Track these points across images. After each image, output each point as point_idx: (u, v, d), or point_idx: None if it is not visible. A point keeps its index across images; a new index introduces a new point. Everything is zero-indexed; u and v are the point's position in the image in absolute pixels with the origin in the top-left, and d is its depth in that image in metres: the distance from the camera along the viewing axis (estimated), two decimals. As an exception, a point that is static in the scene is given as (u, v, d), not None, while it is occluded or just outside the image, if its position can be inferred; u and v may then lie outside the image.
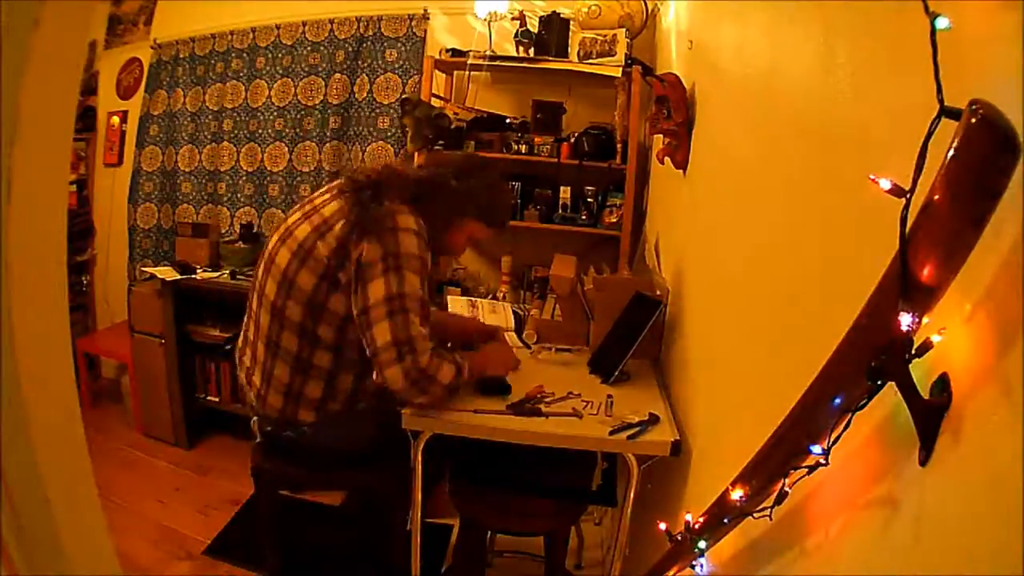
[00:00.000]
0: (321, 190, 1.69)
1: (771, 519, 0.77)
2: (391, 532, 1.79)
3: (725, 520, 0.85)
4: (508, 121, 2.99)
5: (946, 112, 0.47)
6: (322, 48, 3.31)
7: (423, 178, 1.66)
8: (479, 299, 2.46)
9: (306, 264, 1.53)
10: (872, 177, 0.53)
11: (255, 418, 1.72)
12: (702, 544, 0.93)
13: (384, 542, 1.82)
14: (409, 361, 1.44)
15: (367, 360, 1.51)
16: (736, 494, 0.81)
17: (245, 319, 1.73)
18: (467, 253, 3.37)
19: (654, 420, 1.51)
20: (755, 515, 0.79)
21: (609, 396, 1.63)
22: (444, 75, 3.14)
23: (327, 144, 3.33)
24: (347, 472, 1.75)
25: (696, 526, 0.94)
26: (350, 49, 3.27)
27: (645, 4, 2.76)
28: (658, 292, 1.89)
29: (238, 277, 3.05)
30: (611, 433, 1.46)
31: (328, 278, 1.51)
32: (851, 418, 0.59)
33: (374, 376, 1.48)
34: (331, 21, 3.29)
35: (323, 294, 1.52)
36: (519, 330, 2.21)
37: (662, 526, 1.05)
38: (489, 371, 1.68)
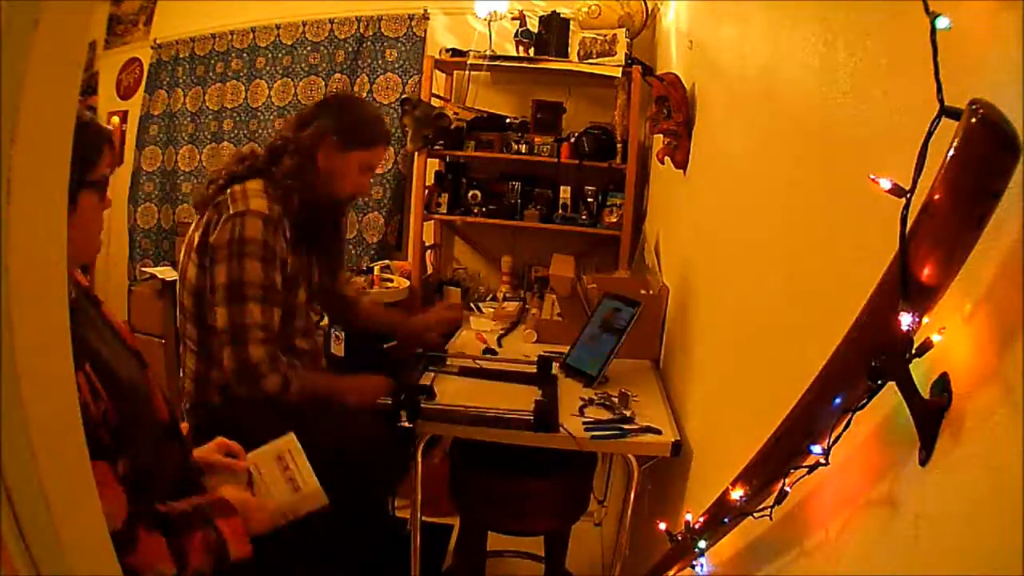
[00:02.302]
0: None
1: (771, 519, 0.77)
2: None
3: (725, 520, 0.85)
4: (508, 121, 2.99)
5: (946, 112, 0.47)
6: (322, 48, 3.32)
7: (269, 145, 1.63)
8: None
9: (189, 256, 1.55)
10: (872, 177, 0.53)
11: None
12: (702, 544, 0.93)
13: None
14: (238, 350, 1.45)
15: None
16: (736, 494, 0.81)
17: None
18: (467, 253, 3.38)
19: (643, 429, 1.50)
20: (755, 515, 0.79)
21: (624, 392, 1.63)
22: (444, 75, 3.14)
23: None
24: None
25: (696, 526, 0.94)
26: (350, 49, 3.27)
27: (645, 4, 2.76)
28: (644, 291, 1.89)
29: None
30: (587, 429, 1.46)
31: (199, 263, 1.53)
32: (851, 418, 0.59)
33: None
34: (331, 21, 3.29)
35: (199, 279, 1.53)
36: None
37: (662, 526, 1.05)
38: (344, 398, 1.59)
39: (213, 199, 1.54)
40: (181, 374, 1.66)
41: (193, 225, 1.59)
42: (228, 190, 1.53)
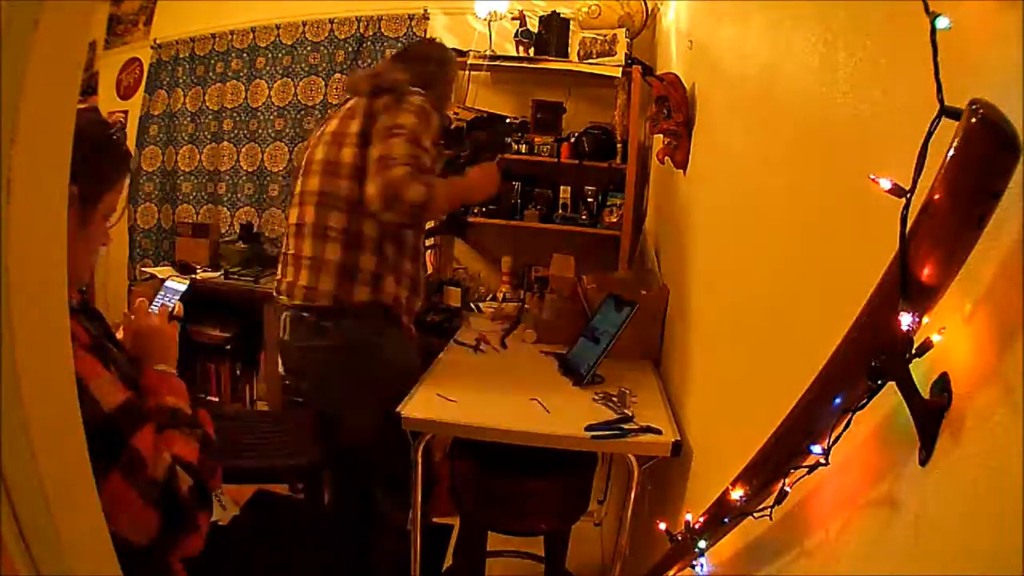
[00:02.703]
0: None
1: (771, 519, 0.77)
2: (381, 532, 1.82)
3: (725, 520, 0.85)
4: (508, 121, 2.99)
5: (946, 112, 0.47)
6: (322, 48, 3.32)
7: (414, 74, 1.80)
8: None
9: (344, 143, 1.68)
10: (872, 177, 0.53)
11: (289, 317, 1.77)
12: (702, 544, 0.93)
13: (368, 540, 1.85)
14: (384, 175, 1.55)
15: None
16: (736, 494, 0.81)
17: (284, 243, 1.82)
18: (467, 253, 3.38)
19: (643, 429, 1.50)
20: (755, 515, 0.79)
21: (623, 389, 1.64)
22: (444, 75, 3.14)
23: (327, 144, 3.33)
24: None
25: (696, 526, 0.94)
26: (350, 49, 3.27)
27: (645, 4, 2.76)
28: (644, 291, 1.89)
29: (239, 277, 3.05)
30: (587, 428, 1.46)
31: (362, 144, 1.64)
32: (851, 418, 0.59)
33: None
34: (331, 21, 3.29)
35: (361, 156, 1.64)
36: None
37: (662, 526, 1.05)
38: (477, 193, 1.92)
39: (374, 92, 1.70)
40: (308, 277, 1.70)
41: (342, 114, 1.75)
42: (400, 95, 1.68)
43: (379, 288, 1.67)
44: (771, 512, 0.76)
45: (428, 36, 3.17)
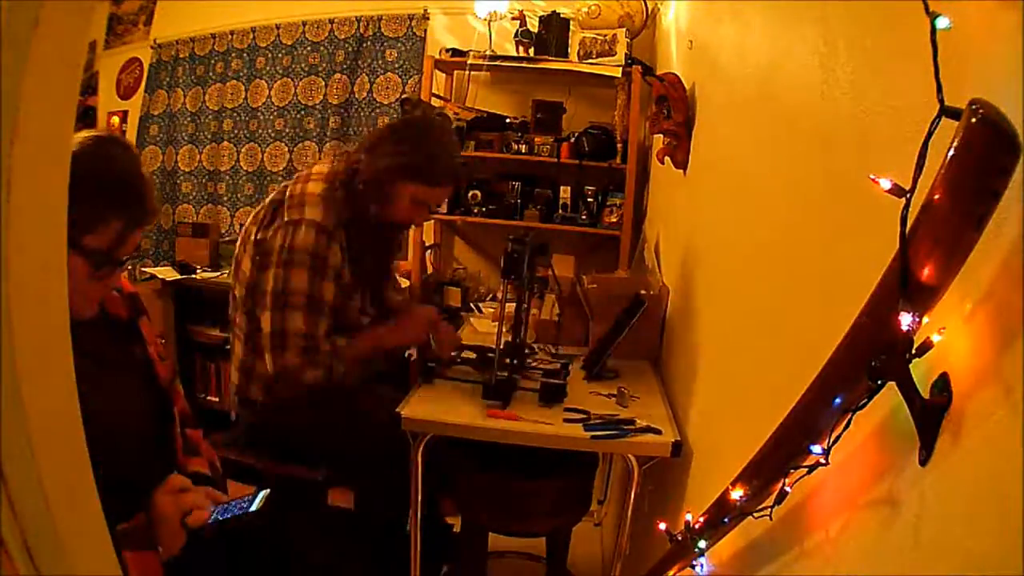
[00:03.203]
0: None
1: (771, 519, 0.77)
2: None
3: (725, 520, 0.85)
4: (508, 121, 2.99)
5: (946, 112, 0.47)
6: (322, 48, 3.32)
7: (343, 164, 1.65)
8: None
9: (246, 248, 1.63)
10: (872, 177, 0.53)
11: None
12: (702, 544, 0.93)
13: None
14: (277, 355, 1.53)
15: None
16: (736, 494, 0.81)
17: None
18: (467, 253, 3.38)
19: (643, 429, 1.50)
20: (755, 515, 0.79)
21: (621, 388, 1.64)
22: (444, 75, 3.14)
23: (327, 144, 3.33)
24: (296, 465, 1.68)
25: (696, 526, 0.94)
26: (350, 49, 3.27)
27: (645, 4, 2.76)
28: (643, 291, 1.89)
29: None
30: (586, 428, 1.46)
31: (254, 257, 1.59)
32: (851, 418, 0.59)
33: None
34: (331, 21, 3.29)
35: (252, 274, 1.60)
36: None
37: (662, 526, 1.05)
38: (385, 344, 1.72)
39: (276, 195, 1.62)
40: (232, 362, 1.74)
41: (252, 215, 1.66)
42: (288, 190, 1.58)
43: (270, 391, 1.61)
44: (771, 512, 0.76)
45: (425, 38, 3.17)
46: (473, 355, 1.77)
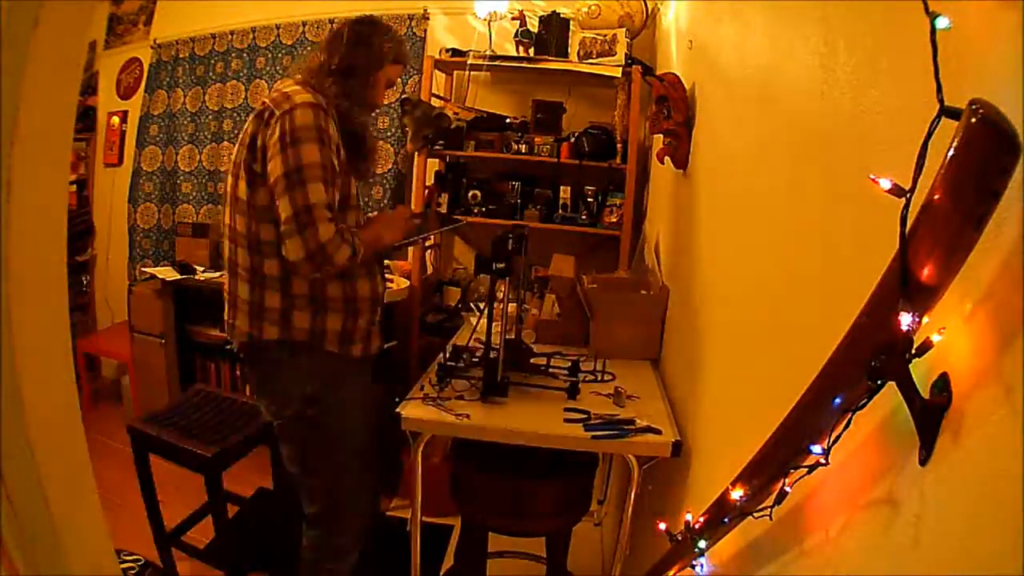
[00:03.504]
0: None
1: (771, 519, 0.77)
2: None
3: (725, 520, 0.85)
4: (508, 121, 2.99)
5: (946, 112, 0.47)
6: (322, 48, 3.31)
7: (310, 68, 1.66)
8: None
9: (238, 175, 1.55)
10: (872, 177, 0.53)
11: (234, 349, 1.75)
12: (702, 544, 0.93)
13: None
14: (309, 233, 1.45)
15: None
16: (736, 494, 0.81)
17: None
18: (467, 253, 3.38)
19: (643, 428, 1.50)
20: (755, 515, 0.79)
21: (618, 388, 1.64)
22: (444, 75, 3.14)
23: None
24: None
25: (696, 526, 0.94)
26: (350, 49, 3.27)
27: (645, 4, 2.76)
28: (644, 291, 1.89)
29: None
30: (586, 428, 1.46)
31: (250, 178, 1.52)
32: (851, 418, 0.59)
33: (282, 251, 1.49)
34: (331, 21, 3.29)
35: (253, 195, 1.53)
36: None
37: (662, 526, 1.05)
38: (384, 240, 1.68)
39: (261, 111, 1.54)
40: (232, 311, 1.68)
41: (236, 147, 1.59)
42: (266, 103, 1.53)
43: (287, 325, 1.58)
44: (771, 512, 0.76)
45: (425, 38, 3.17)
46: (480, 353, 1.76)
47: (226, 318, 1.72)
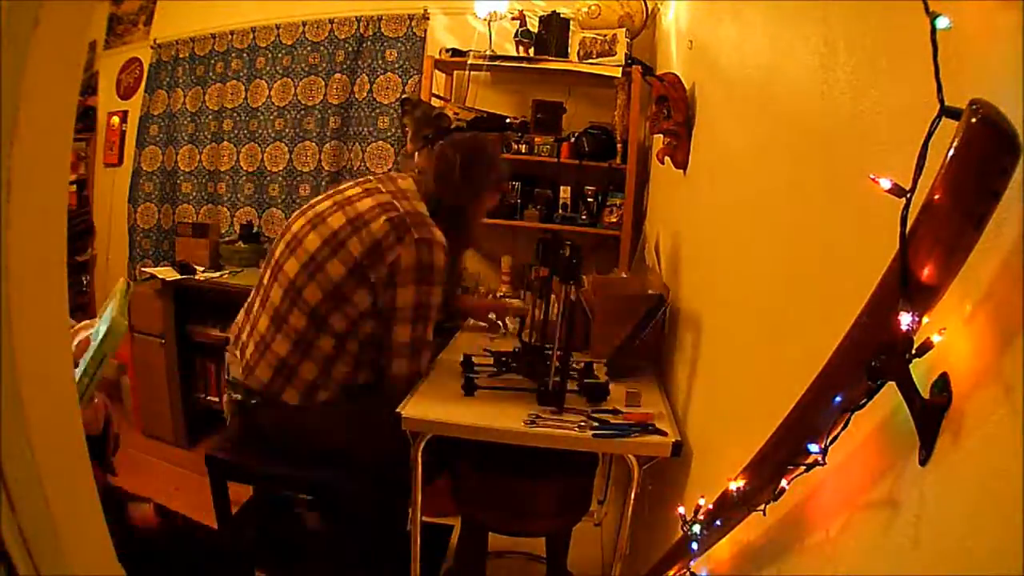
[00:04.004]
0: (349, 183, 1.80)
1: (764, 514, 0.77)
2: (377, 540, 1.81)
3: (725, 519, 0.86)
4: (508, 121, 2.99)
5: (946, 112, 0.47)
6: (322, 48, 3.32)
7: (440, 198, 1.74)
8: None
9: (338, 255, 1.60)
10: (872, 177, 0.53)
11: (229, 395, 1.79)
12: (696, 528, 0.93)
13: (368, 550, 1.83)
14: (416, 360, 1.66)
15: (364, 357, 1.67)
16: (736, 493, 0.81)
17: (252, 293, 1.81)
18: (467, 253, 3.38)
19: (644, 428, 1.50)
20: (751, 510, 0.79)
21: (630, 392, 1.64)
22: (444, 75, 3.14)
23: (327, 144, 3.33)
24: (318, 468, 1.69)
25: (696, 525, 0.94)
26: (350, 49, 3.27)
27: (645, 4, 2.76)
28: (649, 291, 1.89)
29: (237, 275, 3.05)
30: (594, 434, 1.46)
31: (357, 273, 1.59)
32: (850, 417, 0.59)
33: (384, 364, 1.65)
34: (331, 21, 3.29)
35: (350, 287, 1.60)
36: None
37: (681, 510, 1.05)
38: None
39: (388, 214, 1.62)
40: (252, 352, 1.69)
41: (339, 217, 1.64)
42: (399, 206, 1.63)
43: (310, 396, 1.66)
44: (765, 509, 0.76)
45: (425, 38, 3.17)
46: (513, 362, 1.79)
47: (239, 355, 1.73)
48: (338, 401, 1.69)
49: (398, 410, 1.51)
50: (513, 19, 2.90)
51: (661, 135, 1.94)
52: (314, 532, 1.86)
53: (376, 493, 1.74)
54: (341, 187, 1.79)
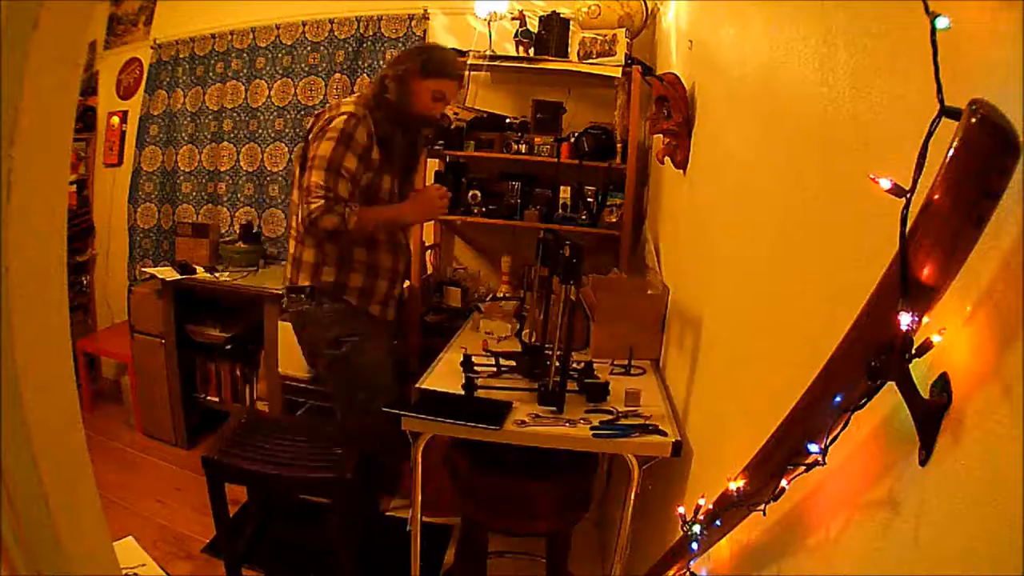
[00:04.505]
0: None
1: (764, 514, 0.77)
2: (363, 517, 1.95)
3: (725, 519, 0.86)
4: (508, 121, 2.99)
5: (946, 112, 0.47)
6: (322, 48, 3.31)
7: (371, 87, 2.07)
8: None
9: (299, 161, 1.97)
10: (872, 177, 0.53)
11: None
12: (696, 528, 0.93)
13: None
14: (304, 206, 1.84)
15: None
16: (736, 492, 0.81)
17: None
18: (466, 253, 3.38)
19: (644, 427, 1.50)
20: (751, 509, 0.79)
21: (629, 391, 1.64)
22: (444, 75, 3.13)
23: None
24: (312, 469, 1.88)
25: (696, 524, 0.94)
26: (350, 49, 3.27)
27: (645, 4, 2.76)
28: (649, 291, 1.89)
29: (239, 277, 3.05)
30: (594, 434, 1.46)
31: (301, 160, 1.95)
32: (850, 417, 0.59)
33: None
34: (331, 21, 3.29)
35: (299, 174, 1.94)
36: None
37: (681, 510, 1.05)
38: (397, 219, 2.08)
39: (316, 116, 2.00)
40: (287, 265, 2.09)
41: (298, 153, 2.02)
42: (321, 115, 1.97)
43: (317, 275, 1.98)
44: (764, 509, 0.76)
45: (425, 38, 3.17)
46: (513, 363, 1.80)
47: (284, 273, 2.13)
48: (340, 279, 1.99)
49: (397, 410, 1.51)
50: (513, 19, 2.90)
51: (661, 135, 1.94)
52: (311, 531, 1.86)
53: (363, 482, 1.89)
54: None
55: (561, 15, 2.80)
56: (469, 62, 2.83)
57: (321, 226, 1.81)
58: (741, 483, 0.80)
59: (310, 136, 1.94)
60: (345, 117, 1.88)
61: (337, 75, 3.29)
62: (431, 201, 2.12)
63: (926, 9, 0.47)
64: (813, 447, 0.63)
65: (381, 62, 3.23)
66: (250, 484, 2.04)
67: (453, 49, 2.90)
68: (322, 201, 1.80)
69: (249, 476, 1.89)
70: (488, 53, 2.82)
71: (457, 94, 2.15)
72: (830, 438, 0.61)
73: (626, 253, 2.79)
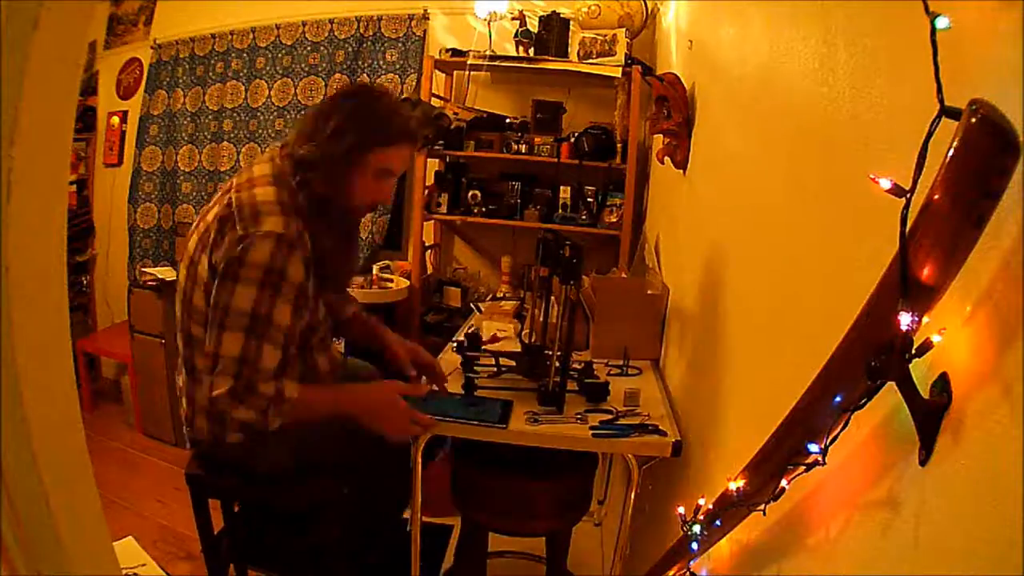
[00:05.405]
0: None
1: (764, 514, 0.77)
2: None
3: (725, 519, 0.86)
4: (508, 121, 2.99)
5: (946, 112, 0.47)
6: (322, 48, 3.32)
7: (287, 161, 1.41)
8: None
9: (193, 280, 1.38)
10: (872, 176, 0.53)
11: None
12: (696, 528, 0.93)
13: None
14: (213, 381, 1.31)
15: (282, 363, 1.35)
16: (736, 493, 0.81)
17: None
18: (467, 253, 3.38)
19: (644, 427, 1.50)
20: (751, 509, 0.79)
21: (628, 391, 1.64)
22: (444, 75, 3.14)
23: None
24: (289, 489, 1.51)
25: (696, 524, 0.94)
26: (350, 49, 3.27)
27: (645, 4, 2.76)
28: (649, 291, 1.89)
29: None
30: (594, 434, 1.46)
31: (192, 274, 1.37)
32: (850, 417, 0.59)
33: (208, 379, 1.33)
34: (331, 21, 3.29)
35: (191, 292, 1.38)
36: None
37: (680, 510, 1.05)
38: (353, 412, 1.43)
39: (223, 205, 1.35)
40: (185, 405, 1.47)
41: (194, 235, 1.41)
42: (233, 201, 1.34)
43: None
44: (765, 509, 0.76)
45: (425, 38, 3.17)
46: (513, 363, 1.74)
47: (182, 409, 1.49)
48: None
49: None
50: (513, 19, 2.90)
51: (661, 135, 1.94)
52: (301, 538, 1.82)
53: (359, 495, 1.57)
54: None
55: (561, 15, 2.81)
56: (469, 62, 2.84)
57: (234, 415, 1.30)
58: (741, 483, 0.80)
59: (213, 236, 1.32)
60: (272, 244, 1.28)
61: (337, 75, 3.29)
62: (390, 407, 1.45)
63: (926, 9, 0.47)
64: (813, 447, 0.63)
65: (381, 62, 3.24)
66: (236, 499, 1.79)
67: (454, 49, 2.90)
68: (230, 384, 1.28)
69: (236, 493, 1.63)
70: (488, 53, 2.82)
71: (409, 162, 1.52)
72: (830, 438, 0.61)
73: (626, 253, 2.80)
